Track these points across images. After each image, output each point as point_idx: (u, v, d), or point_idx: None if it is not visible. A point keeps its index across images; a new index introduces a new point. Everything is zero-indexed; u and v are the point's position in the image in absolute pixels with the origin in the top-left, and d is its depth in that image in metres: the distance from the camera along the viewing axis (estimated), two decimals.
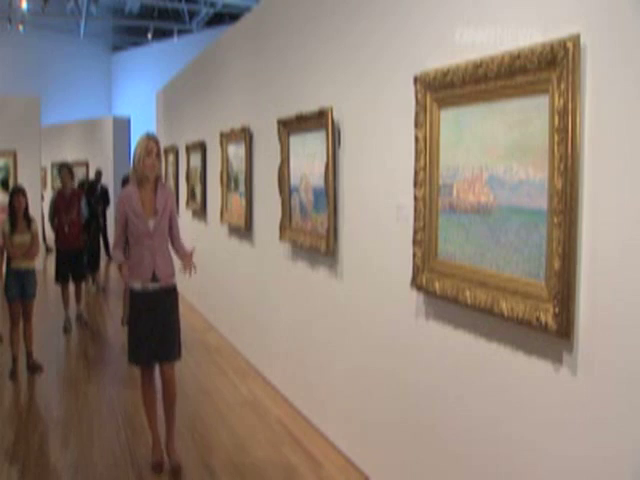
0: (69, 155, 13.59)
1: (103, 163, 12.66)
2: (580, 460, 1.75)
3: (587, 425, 1.72)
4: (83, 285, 6.72)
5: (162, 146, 3.23)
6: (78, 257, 6.35)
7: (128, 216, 3.18)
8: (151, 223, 3.19)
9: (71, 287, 6.36)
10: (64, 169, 6.34)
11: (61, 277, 6.26)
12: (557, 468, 1.84)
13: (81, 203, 6.35)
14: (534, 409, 1.92)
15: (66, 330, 6.08)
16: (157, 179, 3.27)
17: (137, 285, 3.20)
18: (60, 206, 6.23)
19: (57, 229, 6.25)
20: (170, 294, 3.28)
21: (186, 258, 3.33)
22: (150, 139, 3.19)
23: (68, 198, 6.26)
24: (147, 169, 3.17)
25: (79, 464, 3.28)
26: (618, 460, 1.63)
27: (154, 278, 3.19)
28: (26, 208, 4.78)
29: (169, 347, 3.24)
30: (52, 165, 14.85)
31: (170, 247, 3.34)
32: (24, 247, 4.71)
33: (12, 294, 4.70)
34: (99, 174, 10.34)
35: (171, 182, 8.15)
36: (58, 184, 14.74)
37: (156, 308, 3.20)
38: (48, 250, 10.25)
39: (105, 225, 10.10)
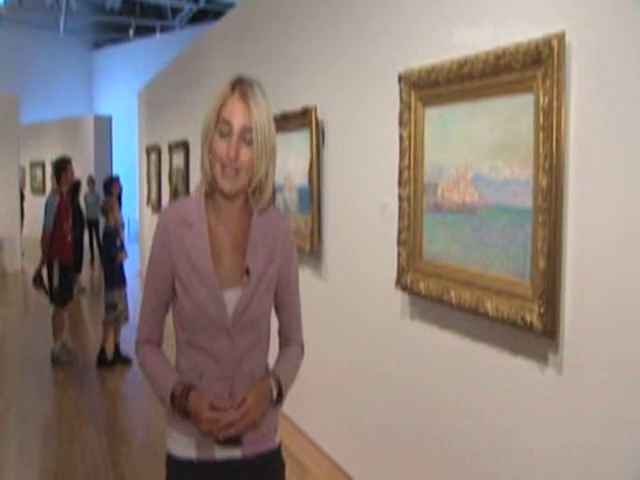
0: (48, 154, 13.38)
1: (84, 163, 12.48)
2: (564, 459, 1.75)
3: (572, 424, 1.72)
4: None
5: (235, 127, 1.39)
6: (74, 272, 5.38)
7: (178, 274, 1.37)
8: (232, 299, 1.37)
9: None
10: (68, 165, 5.11)
11: (68, 298, 5.12)
12: (542, 466, 1.83)
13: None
14: (520, 408, 1.91)
15: (64, 362, 4.99)
16: (249, 196, 1.40)
17: (188, 450, 1.39)
18: (63, 210, 5.01)
19: (54, 238, 4.93)
20: (269, 471, 1.46)
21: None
22: (236, 88, 1.42)
23: (67, 201, 5.17)
24: (220, 172, 1.34)
25: (59, 469, 3.21)
26: (602, 458, 1.63)
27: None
28: None
29: None
30: (31, 165, 14.61)
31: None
32: None
33: None
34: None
35: (153, 183, 8.02)
36: (38, 184, 14.48)
37: None
38: (23, 255, 9.86)
39: None
